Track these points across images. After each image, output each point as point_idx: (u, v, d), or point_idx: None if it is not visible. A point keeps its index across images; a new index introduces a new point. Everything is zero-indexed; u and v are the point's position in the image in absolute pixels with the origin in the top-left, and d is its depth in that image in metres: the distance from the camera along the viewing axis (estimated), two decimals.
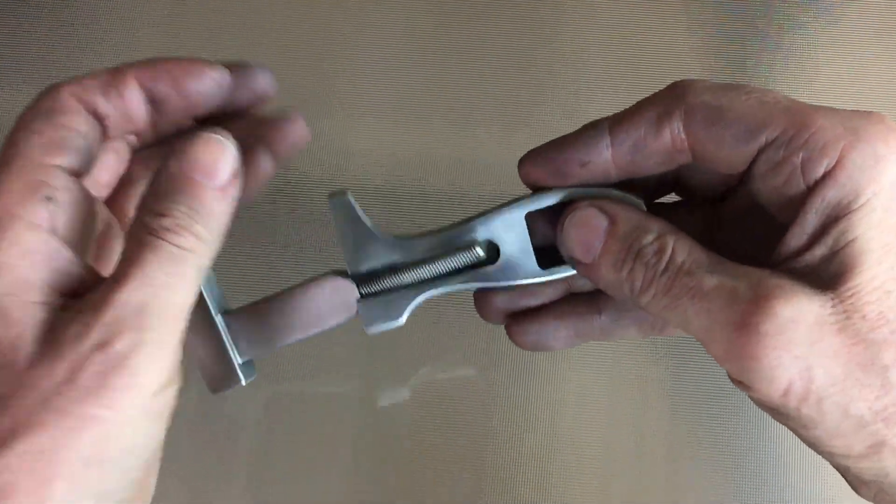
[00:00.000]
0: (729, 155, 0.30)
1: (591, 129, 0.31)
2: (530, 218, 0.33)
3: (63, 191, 0.29)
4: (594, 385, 0.52)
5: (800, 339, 0.27)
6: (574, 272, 0.33)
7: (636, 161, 0.31)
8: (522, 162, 0.33)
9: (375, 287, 0.33)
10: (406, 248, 0.33)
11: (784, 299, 0.27)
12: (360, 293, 0.33)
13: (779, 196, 0.29)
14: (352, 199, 0.33)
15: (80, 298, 0.28)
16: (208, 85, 0.32)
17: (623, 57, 0.53)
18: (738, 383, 0.29)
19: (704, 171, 0.33)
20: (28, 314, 0.27)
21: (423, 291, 0.33)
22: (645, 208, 0.33)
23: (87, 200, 0.30)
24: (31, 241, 0.27)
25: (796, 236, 0.29)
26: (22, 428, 0.26)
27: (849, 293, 0.27)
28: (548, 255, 0.34)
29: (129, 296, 0.27)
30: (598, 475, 0.51)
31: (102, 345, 0.26)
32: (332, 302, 0.33)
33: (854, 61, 0.52)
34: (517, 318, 0.36)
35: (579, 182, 0.32)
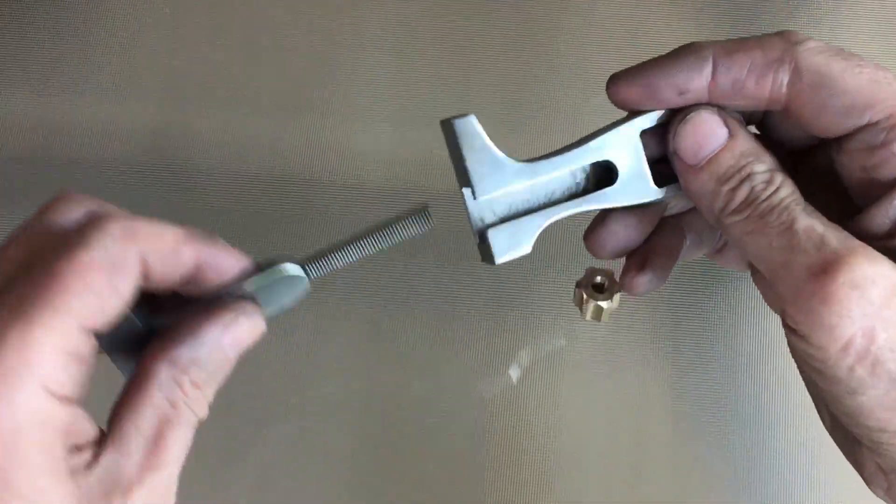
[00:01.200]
0: (827, 123, 0.30)
1: (693, 56, 0.31)
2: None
3: (90, 358, 0.27)
4: (594, 387, 0.51)
5: (872, 299, 0.27)
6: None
7: (729, 97, 0.31)
8: (615, 79, 0.32)
9: (499, 214, 0.33)
10: (528, 172, 0.32)
11: (869, 258, 0.27)
12: (485, 223, 0.32)
13: (864, 175, 0.30)
14: (476, 121, 0.32)
15: (97, 463, 0.27)
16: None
17: (625, 57, 0.53)
18: (792, 332, 0.29)
19: (792, 124, 0.32)
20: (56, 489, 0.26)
21: (548, 217, 0.32)
22: None
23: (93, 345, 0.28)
24: (48, 411, 0.25)
25: (876, 219, 0.29)
26: None
27: None
28: (657, 174, 0.33)
29: (161, 483, 0.27)
30: (598, 475, 0.51)
31: None
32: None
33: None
34: (636, 272, 0.36)
35: (669, 107, 0.32)
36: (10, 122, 0.54)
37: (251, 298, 0.31)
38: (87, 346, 0.26)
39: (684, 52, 0.31)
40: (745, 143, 0.31)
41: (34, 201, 0.30)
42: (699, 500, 0.51)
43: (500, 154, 0.32)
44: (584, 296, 0.47)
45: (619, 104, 0.33)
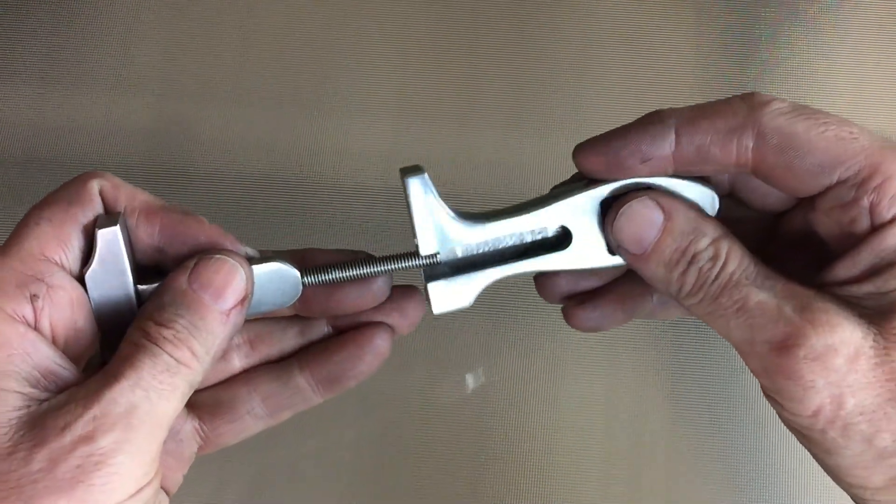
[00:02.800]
0: (796, 184, 0.30)
1: (657, 125, 0.31)
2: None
3: (57, 289, 0.28)
4: (593, 383, 0.51)
5: (836, 367, 0.27)
6: None
7: (695, 164, 0.31)
8: (581, 149, 0.32)
9: (444, 269, 0.33)
10: (478, 230, 0.33)
11: (827, 326, 0.27)
12: (429, 274, 0.33)
13: (839, 229, 0.30)
14: (428, 178, 0.32)
15: (62, 393, 0.27)
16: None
17: (624, 55, 0.53)
18: (770, 399, 0.29)
19: (763, 187, 0.32)
20: (0, 400, 0.26)
21: (494, 275, 0.33)
22: (718, 203, 0.32)
23: (86, 303, 0.30)
24: (7, 333, 0.27)
25: (846, 268, 0.29)
26: None
27: (894, 331, 0.27)
28: None
29: (121, 395, 0.27)
30: (597, 474, 0.51)
31: (85, 439, 0.26)
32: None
33: (856, 62, 0.52)
34: (577, 303, 0.36)
35: (635, 176, 0.32)
36: (9, 122, 0.54)
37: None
38: (50, 273, 0.28)
39: (647, 121, 0.31)
40: (683, 220, 0.31)
41: (32, 202, 0.30)
42: (698, 497, 0.51)
43: (449, 213, 0.32)
44: None
45: (585, 173, 0.33)
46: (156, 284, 0.30)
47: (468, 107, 0.53)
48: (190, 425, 0.34)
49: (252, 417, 0.35)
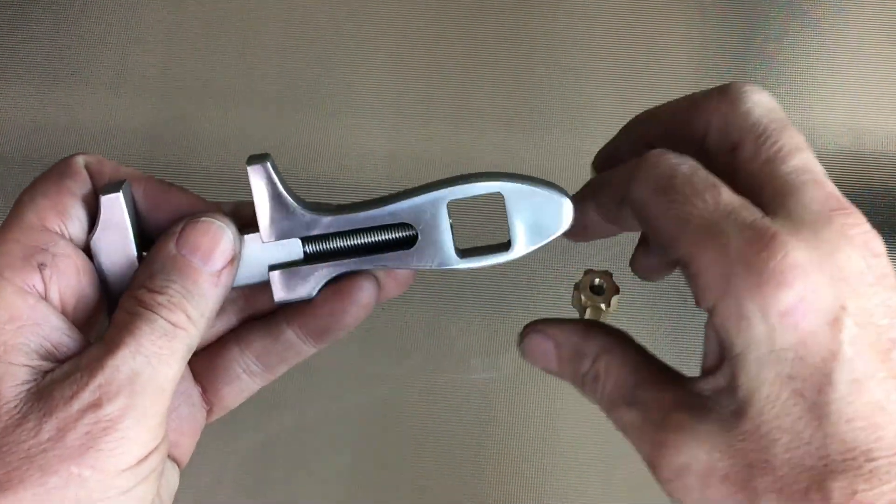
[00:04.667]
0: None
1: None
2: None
3: (62, 258, 0.29)
4: None
5: (691, 486, 0.28)
6: (492, 261, 0.33)
7: (589, 233, 0.32)
8: None
9: (292, 256, 0.33)
10: (324, 222, 0.33)
11: (676, 447, 0.28)
12: (276, 262, 0.33)
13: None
14: (270, 165, 0.32)
15: (66, 363, 0.28)
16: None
17: (624, 55, 0.53)
18: None
19: None
20: (9, 374, 0.27)
21: (337, 268, 0.33)
22: (572, 211, 0.32)
23: (90, 271, 0.30)
24: (18, 305, 0.28)
25: (707, 356, 0.29)
26: (4, 484, 0.26)
27: (739, 438, 0.28)
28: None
29: (123, 362, 0.27)
30: (598, 471, 0.51)
31: (93, 406, 0.27)
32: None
33: (859, 63, 0.52)
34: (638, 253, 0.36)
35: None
36: (9, 122, 0.54)
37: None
38: (53, 242, 0.29)
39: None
40: (567, 346, 0.32)
41: None
42: None
43: (293, 203, 0.32)
44: (583, 298, 0.47)
45: None
46: None
47: (467, 106, 0.53)
48: (196, 390, 0.35)
49: (249, 375, 0.35)
